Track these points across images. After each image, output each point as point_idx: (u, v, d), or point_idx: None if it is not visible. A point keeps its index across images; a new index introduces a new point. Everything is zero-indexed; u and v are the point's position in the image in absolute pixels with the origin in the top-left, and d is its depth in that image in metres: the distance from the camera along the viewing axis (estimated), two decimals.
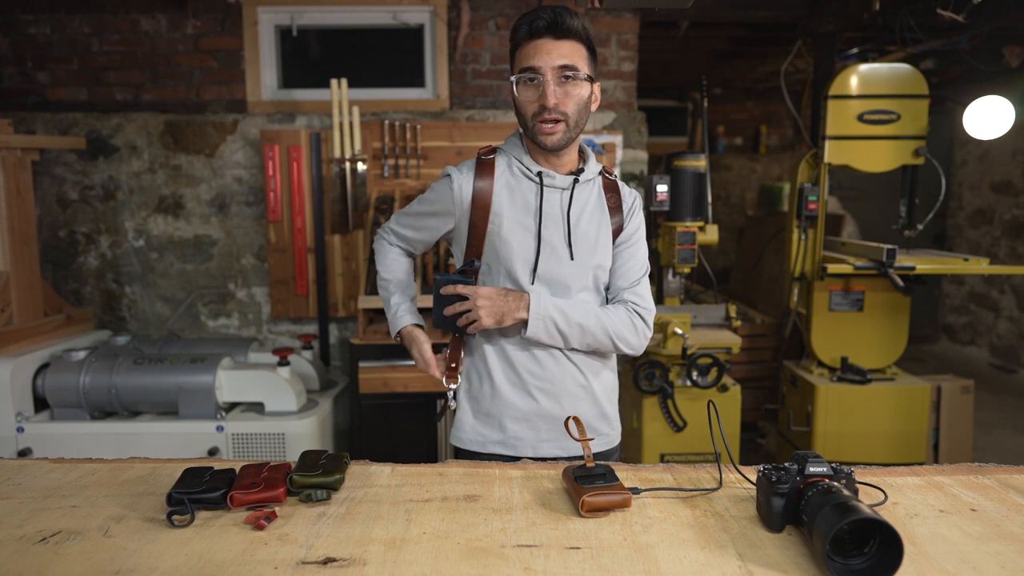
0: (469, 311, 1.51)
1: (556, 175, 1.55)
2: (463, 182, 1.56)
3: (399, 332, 1.68)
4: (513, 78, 1.50)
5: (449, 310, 1.54)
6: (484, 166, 1.57)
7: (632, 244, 1.62)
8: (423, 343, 1.64)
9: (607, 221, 1.58)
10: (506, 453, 1.59)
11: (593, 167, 1.60)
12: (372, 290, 3.10)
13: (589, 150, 1.63)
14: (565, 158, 1.56)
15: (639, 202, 1.65)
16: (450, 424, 1.70)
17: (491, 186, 1.55)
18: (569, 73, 1.46)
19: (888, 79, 3.07)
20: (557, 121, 1.47)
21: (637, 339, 1.58)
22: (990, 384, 5.22)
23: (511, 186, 1.55)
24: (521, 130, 1.59)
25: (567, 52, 1.45)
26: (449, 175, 1.58)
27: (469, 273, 1.57)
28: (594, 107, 1.55)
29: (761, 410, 3.99)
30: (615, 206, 1.60)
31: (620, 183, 1.66)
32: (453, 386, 1.63)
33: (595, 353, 1.61)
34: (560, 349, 1.56)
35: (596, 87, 1.53)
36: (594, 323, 1.53)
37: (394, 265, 1.73)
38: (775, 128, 7.46)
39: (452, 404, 1.65)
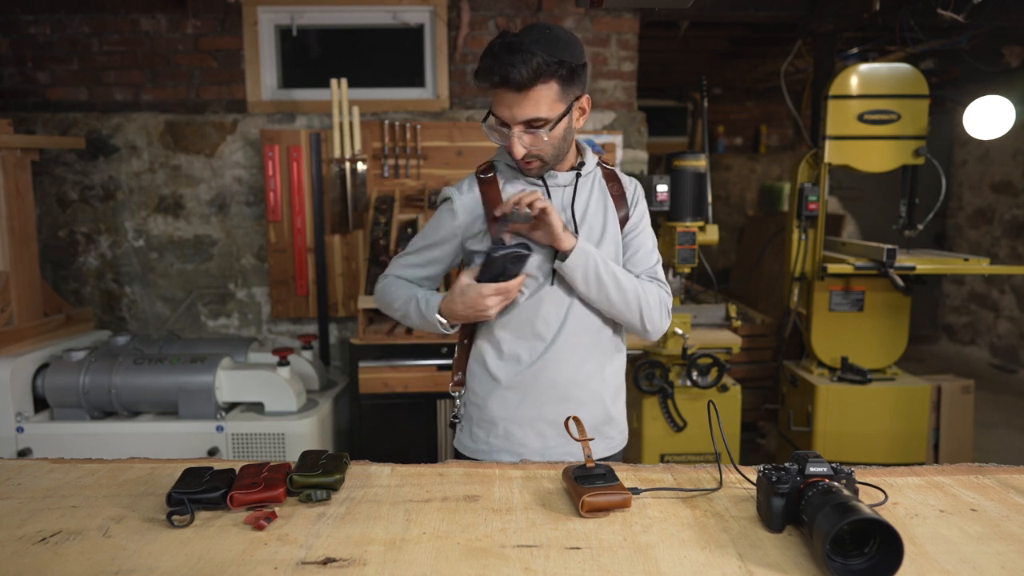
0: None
1: (557, 173, 1.54)
2: (464, 201, 1.54)
3: (438, 310, 1.51)
4: (485, 126, 1.47)
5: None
6: (487, 184, 1.54)
7: (641, 232, 1.61)
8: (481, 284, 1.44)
9: (613, 211, 1.57)
10: (514, 460, 1.55)
11: (591, 160, 1.59)
12: (372, 290, 3.09)
13: (585, 144, 1.62)
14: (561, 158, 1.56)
15: (640, 190, 1.64)
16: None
17: (499, 198, 1.53)
18: (537, 125, 1.42)
19: (888, 79, 3.07)
20: (530, 162, 1.48)
21: (661, 321, 1.56)
22: (990, 384, 5.22)
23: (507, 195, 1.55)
24: None
25: (531, 104, 1.39)
26: (449, 198, 1.55)
27: (525, 249, 1.44)
28: (582, 120, 1.52)
29: (761, 410, 3.99)
30: (618, 195, 1.59)
31: (619, 172, 1.64)
32: (459, 392, 1.61)
33: (606, 346, 1.58)
34: (563, 343, 1.53)
35: (582, 100, 1.48)
36: (630, 285, 1.50)
37: (405, 288, 1.60)
38: (775, 128, 7.46)
39: (460, 412, 1.62)
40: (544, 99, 1.39)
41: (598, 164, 1.62)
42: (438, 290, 1.63)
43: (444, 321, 1.51)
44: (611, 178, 1.61)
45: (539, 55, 1.35)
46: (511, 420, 1.56)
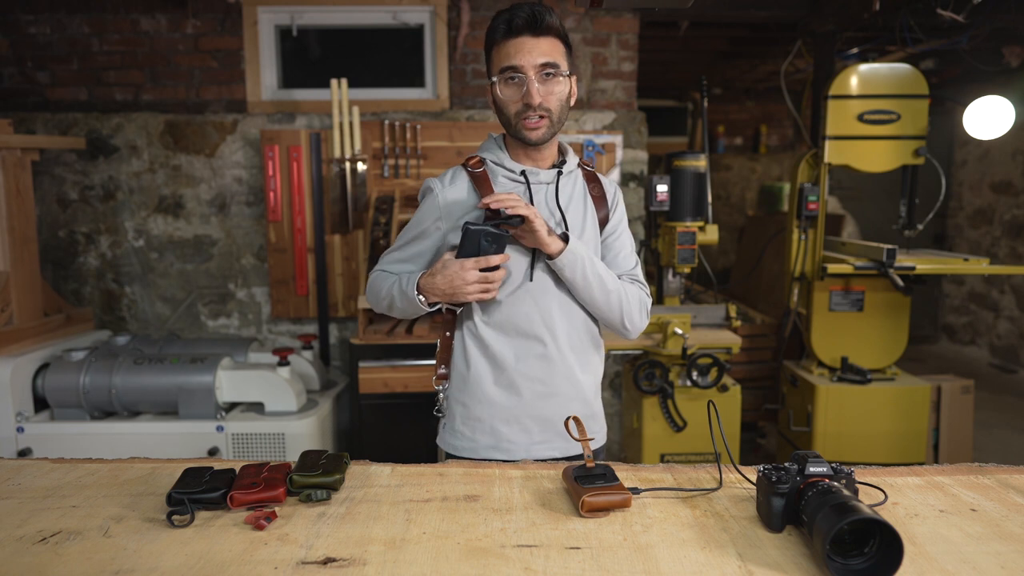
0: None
1: (539, 171, 1.56)
2: (448, 193, 1.54)
3: (416, 285, 1.50)
4: (494, 79, 1.50)
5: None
6: (478, 178, 1.55)
7: (621, 234, 1.65)
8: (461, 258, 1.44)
9: (592, 212, 1.59)
10: (501, 458, 1.56)
11: (572, 159, 1.62)
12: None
13: (567, 146, 1.65)
14: (546, 153, 1.57)
15: (620, 193, 1.67)
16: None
17: (491, 192, 1.53)
18: (550, 71, 1.46)
19: (888, 79, 3.07)
20: (541, 117, 1.48)
21: (641, 321, 1.59)
22: (990, 384, 5.22)
23: (496, 191, 1.55)
24: (496, 135, 1.61)
25: (547, 50, 1.45)
26: (431, 189, 1.56)
27: (503, 229, 1.44)
28: (572, 101, 1.55)
29: (761, 410, 3.99)
30: (599, 196, 1.62)
31: (599, 175, 1.67)
32: (443, 386, 1.62)
33: (587, 343, 1.60)
34: (552, 344, 1.54)
35: (573, 81, 1.54)
36: (613, 285, 1.53)
37: (390, 277, 1.60)
38: (775, 128, 7.46)
39: (444, 408, 1.63)
40: (556, 49, 1.47)
41: (579, 165, 1.64)
42: None
43: (423, 298, 1.49)
44: (591, 179, 1.64)
45: (553, 13, 1.46)
46: (498, 418, 1.56)
